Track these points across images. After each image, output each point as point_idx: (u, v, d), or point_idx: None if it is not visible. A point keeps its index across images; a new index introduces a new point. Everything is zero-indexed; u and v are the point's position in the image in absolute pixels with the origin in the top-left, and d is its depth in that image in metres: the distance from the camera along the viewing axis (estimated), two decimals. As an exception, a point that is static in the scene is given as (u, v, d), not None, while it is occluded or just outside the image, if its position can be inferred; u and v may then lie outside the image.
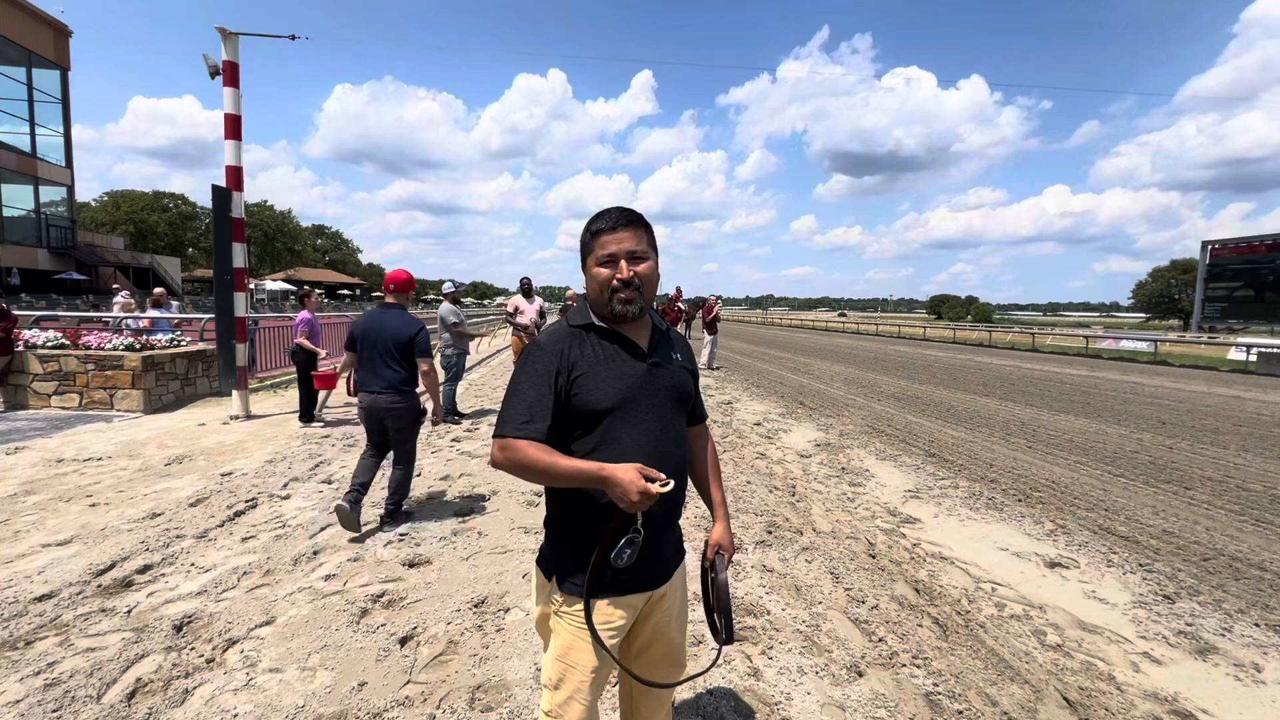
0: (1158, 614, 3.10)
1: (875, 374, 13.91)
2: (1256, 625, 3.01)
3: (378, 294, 77.53)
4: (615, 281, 1.37)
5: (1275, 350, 16.82)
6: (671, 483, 1.24)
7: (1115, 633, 2.92)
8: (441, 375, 7.77)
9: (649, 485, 1.21)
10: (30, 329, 8.36)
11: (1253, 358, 17.45)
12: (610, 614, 1.38)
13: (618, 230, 1.38)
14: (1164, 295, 61.52)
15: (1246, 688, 2.52)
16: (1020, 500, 4.86)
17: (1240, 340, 20.46)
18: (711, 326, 14.04)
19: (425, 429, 5.36)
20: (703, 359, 13.44)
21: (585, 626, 1.35)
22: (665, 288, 16.20)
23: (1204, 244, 33.37)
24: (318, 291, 7.72)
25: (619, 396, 1.36)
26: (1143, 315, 69.31)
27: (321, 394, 7.34)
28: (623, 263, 1.37)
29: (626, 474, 1.22)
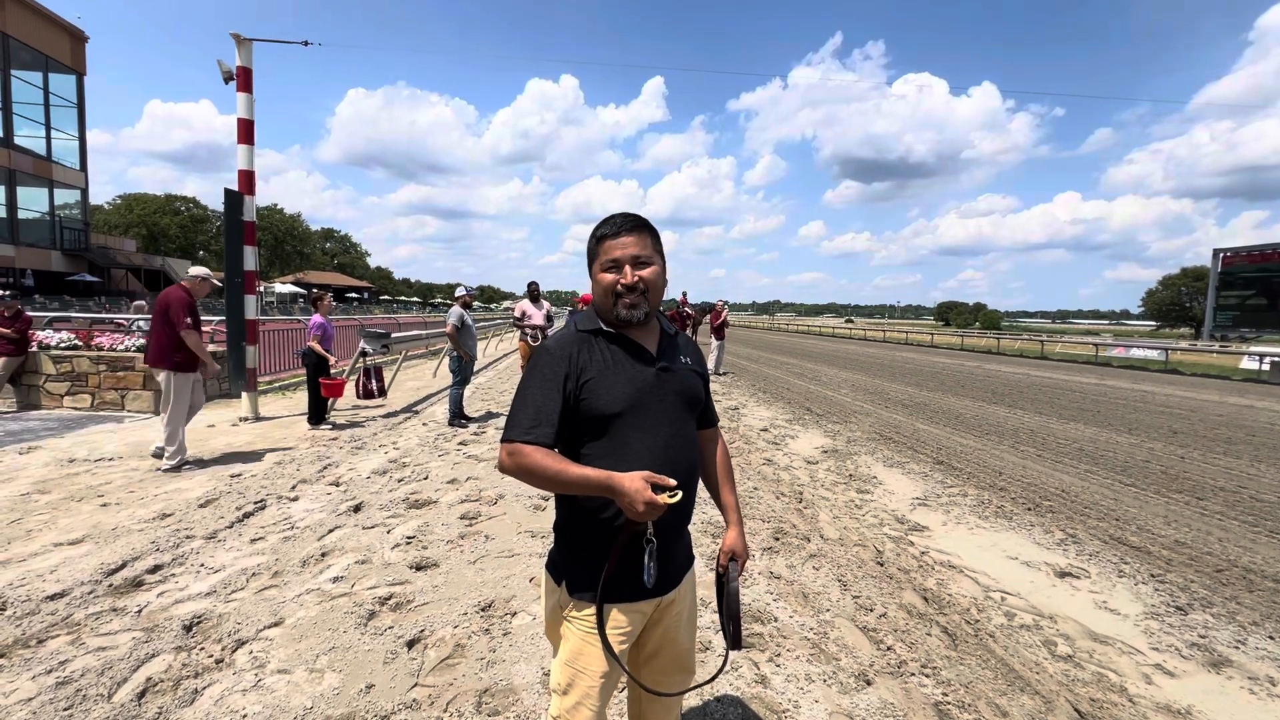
0: (1170, 625, 3.07)
1: (883, 380, 13.85)
2: (1271, 638, 2.97)
3: (386, 297, 77.83)
4: (619, 286, 1.37)
5: (1288, 359, 16.64)
6: (680, 493, 1.23)
7: (1127, 644, 2.89)
8: (449, 379, 7.81)
9: (656, 496, 1.20)
10: (44, 330, 8.46)
11: (1265, 367, 17.26)
12: (620, 620, 1.38)
13: (621, 235, 1.38)
14: (1175, 303, 60.92)
15: (1261, 701, 2.48)
16: (1030, 509, 4.83)
17: (1253, 349, 20.24)
18: (719, 332, 14.03)
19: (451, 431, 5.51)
20: (710, 364, 13.42)
21: (595, 632, 1.35)
22: (672, 292, 16.22)
23: (1215, 252, 33.08)
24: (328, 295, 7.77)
25: (628, 401, 1.36)
26: (1153, 323, 68.71)
27: (329, 400, 7.38)
28: (626, 268, 1.37)
29: (633, 484, 1.21)
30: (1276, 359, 16.95)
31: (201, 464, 5.44)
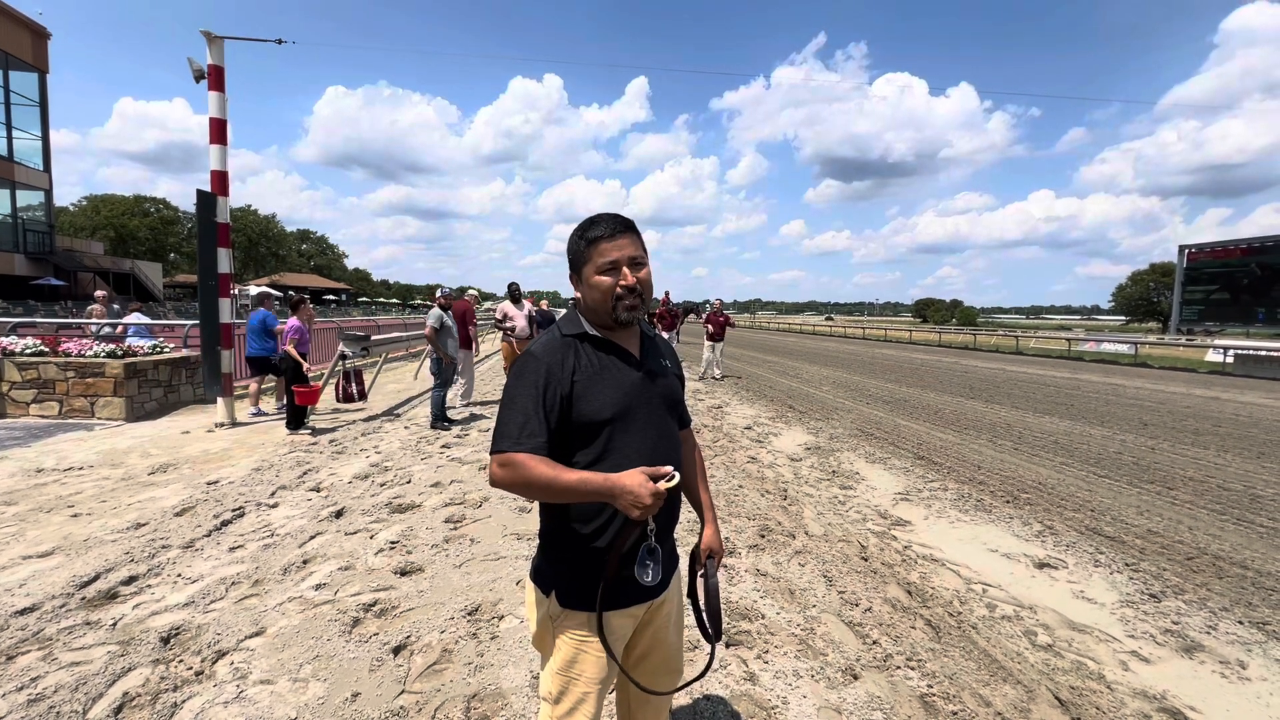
0: (1145, 613, 3.15)
1: (863, 377, 14.01)
2: (1240, 623, 3.06)
3: (364, 299, 76.77)
4: (620, 289, 1.35)
5: (1251, 352, 17.18)
6: (678, 476, 1.23)
7: (1104, 632, 2.96)
8: (430, 381, 7.73)
9: (657, 485, 1.20)
10: (8, 336, 8.19)
11: (1229, 359, 17.81)
12: (614, 625, 1.38)
13: (617, 237, 1.36)
14: (1143, 298, 62.51)
15: (1232, 684, 2.56)
16: (1008, 502, 4.92)
17: (1217, 342, 20.87)
18: (718, 334, 13.59)
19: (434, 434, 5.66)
20: (704, 369, 13.22)
21: (590, 639, 1.35)
22: (654, 292, 16.14)
23: (1181, 248, 34.01)
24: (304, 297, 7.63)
25: (618, 406, 1.35)
26: (1123, 318, 70.43)
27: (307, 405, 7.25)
28: (625, 270, 1.35)
29: (634, 479, 1.20)
30: (1240, 352, 17.50)
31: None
